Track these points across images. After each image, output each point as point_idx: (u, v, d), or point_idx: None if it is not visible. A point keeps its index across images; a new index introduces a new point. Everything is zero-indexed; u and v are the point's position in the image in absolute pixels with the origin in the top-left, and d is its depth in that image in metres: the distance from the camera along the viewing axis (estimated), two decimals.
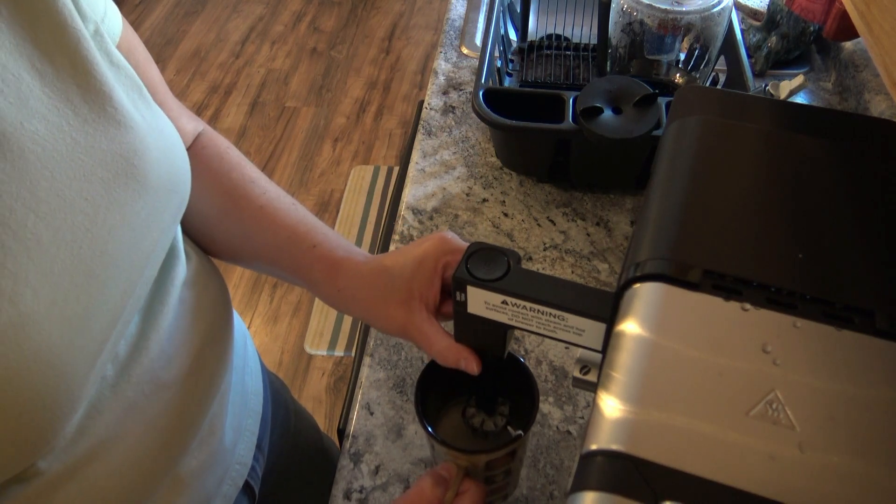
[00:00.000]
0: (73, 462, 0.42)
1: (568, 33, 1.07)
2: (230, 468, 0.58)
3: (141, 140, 0.43)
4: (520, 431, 0.49)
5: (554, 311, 0.41)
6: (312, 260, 0.54)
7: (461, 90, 1.03)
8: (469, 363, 0.47)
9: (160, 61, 2.66)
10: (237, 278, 1.95)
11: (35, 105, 0.37)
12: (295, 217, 0.57)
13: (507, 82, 1.01)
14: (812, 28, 1.02)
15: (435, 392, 0.52)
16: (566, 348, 0.72)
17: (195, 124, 0.60)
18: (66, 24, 0.40)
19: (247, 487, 0.61)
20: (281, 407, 0.74)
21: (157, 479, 0.48)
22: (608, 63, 0.96)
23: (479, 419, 0.54)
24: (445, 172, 0.91)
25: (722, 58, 0.91)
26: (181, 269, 0.52)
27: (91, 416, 0.43)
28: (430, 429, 0.49)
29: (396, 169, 2.23)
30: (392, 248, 0.83)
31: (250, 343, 0.67)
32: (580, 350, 0.42)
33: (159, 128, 0.46)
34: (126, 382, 0.45)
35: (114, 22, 0.47)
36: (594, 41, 1.01)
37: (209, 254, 0.60)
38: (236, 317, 0.62)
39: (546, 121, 0.80)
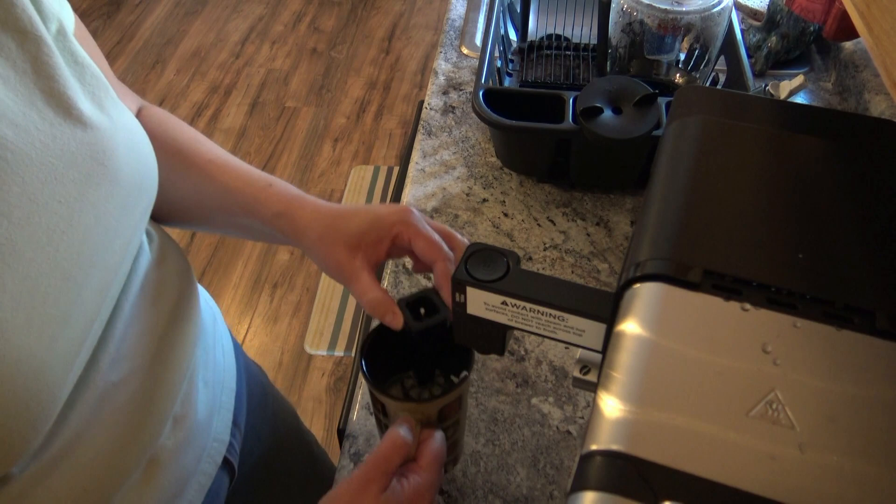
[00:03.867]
0: (47, 461, 0.42)
1: (568, 33, 1.07)
2: (207, 445, 0.58)
3: (109, 139, 0.43)
4: (465, 373, 0.51)
5: (554, 312, 0.41)
6: (269, 196, 0.56)
7: (461, 90, 1.03)
8: (395, 318, 0.50)
9: (160, 61, 2.66)
10: (237, 278, 1.95)
11: (1, 111, 0.38)
12: (246, 167, 0.59)
13: (507, 82, 1.01)
14: (812, 28, 1.02)
15: (378, 365, 0.54)
16: (566, 348, 0.72)
17: (139, 102, 0.61)
18: (27, 30, 0.40)
19: (226, 463, 0.62)
20: (258, 388, 0.74)
21: (132, 464, 0.48)
22: (608, 63, 0.96)
23: (416, 391, 0.57)
24: (445, 172, 0.91)
25: (722, 58, 0.91)
26: (145, 258, 0.52)
27: (63, 413, 0.43)
28: (379, 388, 0.51)
29: (396, 169, 2.23)
30: None
31: (221, 320, 0.67)
32: (580, 350, 0.42)
33: (126, 125, 0.46)
34: (95, 373, 0.45)
35: (67, 14, 0.47)
36: (594, 41, 1.01)
37: (162, 221, 0.60)
38: (207, 296, 0.63)
39: (546, 121, 0.80)
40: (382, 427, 0.55)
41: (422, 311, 0.52)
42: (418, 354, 0.54)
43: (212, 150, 0.59)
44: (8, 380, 0.35)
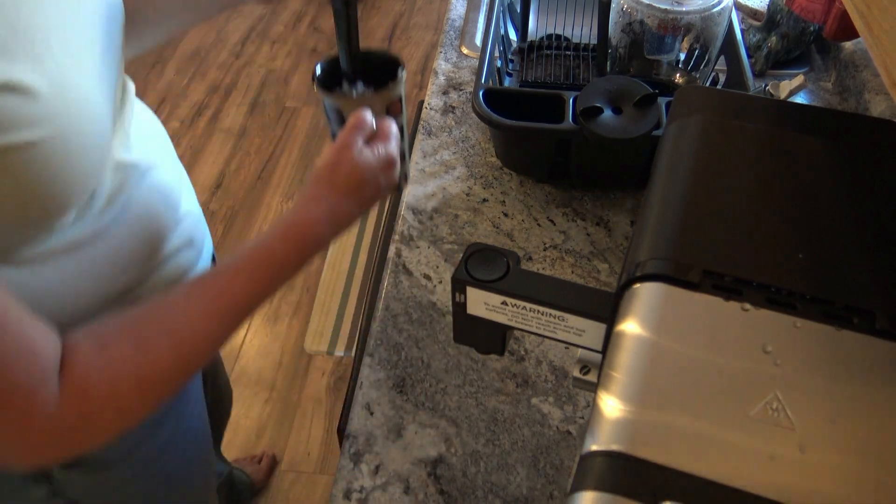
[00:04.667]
0: (101, 226, 0.53)
1: (568, 33, 1.06)
2: (203, 247, 0.71)
3: None
4: (400, 68, 0.61)
5: (554, 312, 0.41)
6: None
7: (461, 90, 1.03)
8: None
9: (160, 62, 2.66)
10: None
11: None
12: None
13: (507, 82, 1.01)
14: (812, 28, 1.02)
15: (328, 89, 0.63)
16: (566, 348, 0.72)
17: None
18: None
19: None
20: None
21: (171, 226, 0.62)
22: (608, 63, 0.96)
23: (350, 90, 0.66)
24: (445, 172, 0.91)
25: (722, 58, 0.91)
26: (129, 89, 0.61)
27: (111, 188, 0.54)
28: (335, 93, 0.61)
29: None
30: (392, 248, 0.83)
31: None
32: (580, 350, 0.42)
33: None
34: (123, 152, 0.55)
35: None
36: (594, 41, 1.01)
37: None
38: None
39: (546, 121, 0.80)
40: (333, 127, 0.64)
41: None
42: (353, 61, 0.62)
43: None
44: (74, 105, 0.45)
